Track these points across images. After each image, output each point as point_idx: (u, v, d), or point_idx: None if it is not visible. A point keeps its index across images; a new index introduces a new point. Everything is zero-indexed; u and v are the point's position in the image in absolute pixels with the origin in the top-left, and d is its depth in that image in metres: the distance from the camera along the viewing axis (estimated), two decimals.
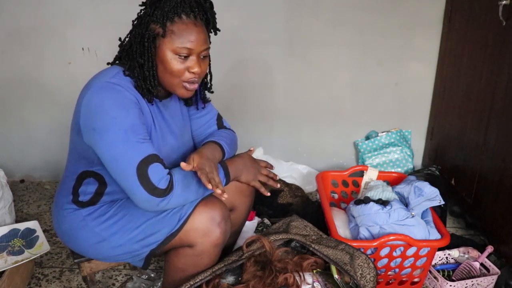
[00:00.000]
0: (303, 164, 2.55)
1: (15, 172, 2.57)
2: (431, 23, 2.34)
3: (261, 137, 2.56)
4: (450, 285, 1.65)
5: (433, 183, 1.73)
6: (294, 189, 2.24)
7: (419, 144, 2.60)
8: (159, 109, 1.29)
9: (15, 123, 2.48)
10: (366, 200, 1.68)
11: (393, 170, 2.44)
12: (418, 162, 2.63)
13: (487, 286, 1.69)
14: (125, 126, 1.14)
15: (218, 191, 1.16)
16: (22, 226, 1.80)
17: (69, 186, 1.31)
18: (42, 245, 1.71)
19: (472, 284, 1.67)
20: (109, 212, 1.29)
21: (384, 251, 1.56)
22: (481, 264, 1.73)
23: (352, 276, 1.33)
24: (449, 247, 1.80)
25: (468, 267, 1.71)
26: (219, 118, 1.49)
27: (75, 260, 1.39)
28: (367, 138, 2.59)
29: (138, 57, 1.19)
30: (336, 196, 2.03)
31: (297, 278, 1.28)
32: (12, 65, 2.35)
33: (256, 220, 1.96)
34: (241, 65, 2.43)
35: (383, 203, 1.66)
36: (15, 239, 1.74)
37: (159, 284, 1.59)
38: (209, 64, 1.31)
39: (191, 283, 1.24)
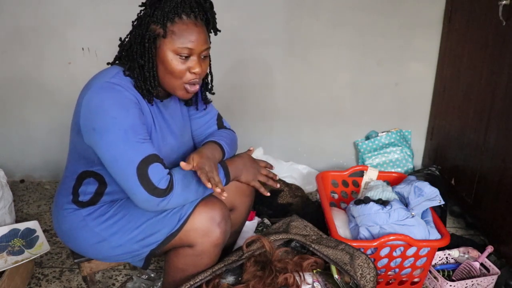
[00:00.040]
0: (303, 164, 2.55)
1: (15, 172, 2.57)
2: (431, 23, 2.34)
3: (261, 137, 2.56)
4: (450, 285, 1.65)
5: (433, 183, 1.73)
6: (294, 189, 2.24)
7: (419, 144, 2.60)
8: (159, 109, 1.29)
9: (15, 123, 2.48)
10: (366, 200, 1.68)
11: (393, 170, 2.44)
12: (418, 162, 2.63)
13: (487, 286, 1.69)
14: (125, 126, 1.14)
15: (218, 189, 1.16)
16: (22, 226, 1.80)
17: (69, 186, 1.31)
18: (42, 245, 1.71)
19: (472, 284, 1.67)
20: (109, 212, 1.29)
21: (384, 251, 1.56)
22: (481, 264, 1.73)
23: (352, 276, 1.33)
24: (449, 247, 1.80)
25: (468, 267, 1.71)
26: (219, 118, 1.49)
27: (75, 260, 1.39)
28: (367, 138, 2.59)
29: (138, 58, 1.19)
30: (336, 196, 2.03)
31: (297, 278, 1.28)
32: (12, 65, 2.36)
33: (256, 220, 1.96)
34: (241, 65, 2.43)
35: (383, 203, 1.66)
36: (15, 239, 1.74)
37: (159, 284, 1.59)
38: (210, 65, 1.31)
39: (191, 283, 1.24)
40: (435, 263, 1.81)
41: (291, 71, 2.45)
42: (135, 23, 1.22)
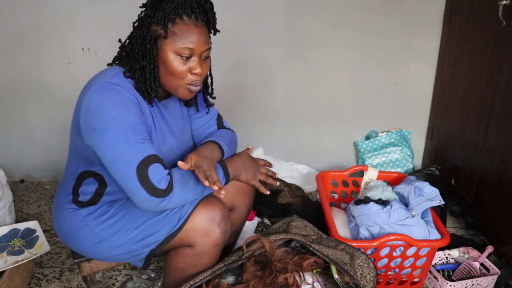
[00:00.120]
0: (303, 164, 2.55)
1: (15, 172, 2.57)
2: (431, 23, 2.34)
3: (261, 137, 2.56)
4: (450, 285, 1.65)
5: (433, 183, 1.73)
6: (294, 189, 2.24)
7: (419, 144, 2.60)
8: (159, 109, 1.29)
9: (15, 123, 2.48)
10: (366, 200, 1.68)
11: (393, 170, 2.44)
12: (418, 162, 2.63)
13: (487, 286, 1.69)
14: (125, 126, 1.14)
15: (215, 187, 1.16)
16: (22, 226, 1.80)
17: (69, 186, 1.31)
18: (42, 245, 1.71)
19: (472, 284, 1.67)
20: (109, 212, 1.29)
21: (384, 251, 1.56)
22: (481, 264, 1.73)
23: (352, 276, 1.33)
24: (449, 247, 1.80)
25: (468, 267, 1.71)
26: (219, 118, 1.49)
27: (75, 260, 1.39)
28: (367, 138, 2.59)
29: (140, 59, 1.19)
30: (336, 196, 2.03)
31: (297, 278, 1.28)
32: (12, 65, 2.35)
33: (256, 220, 1.96)
34: (241, 65, 2.43)
35: (383, 203, 1.66)
36: (15, 239, 1.74)
37: (159, 284, 1.59)
38: (210, 66, 1.31)
39: (191, 283, 1.24)
40: (435, 263, 1.81)
41: (291, 71, 2.45)
42: (136, 24, 1.22)
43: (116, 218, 1.28)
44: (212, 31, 1.26)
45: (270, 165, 1.45)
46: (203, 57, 1.22)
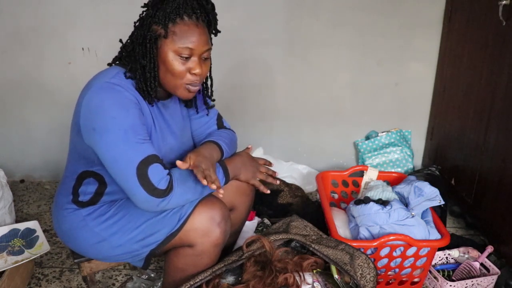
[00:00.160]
0: (303, 164, 2.55)
1: (15, 172, 2.57)
2: (431, 23, 2.34)
3: (261, 137, 2.56)
4: (450, 285, 1.65)
5: (433, 183, 1.73)
6: (294, 189, 2.24)
7: (419, 144, 2.60)
8: (159, 109, 1.29)
9: (15, 123, 2.48)
10: (366, 200, 1.68)
11: (393, 170, 2.44)
12: (418, 162, 2.63)
13: (487, 286, 1.69)
14: (125, 126, 1.14)
15: (213, 186, 1.16)
16: (22, 226, 1.80)
17: (69, 186, 1.31)
18: (42, 245, 1.71)
19: (472, 284, 1.67)
20: (109, 212, 1.29)
21: (384, 251, 1.56)
22: (481, 264, 1.73)
23: (352, 276, 1.33)
24: (449, 247, 1.80)
25: (468, 267, 1.71)
26: (219, 118, 1.49)
27: (75, 260, 1.39)
28: (367, 138, 2.59)
29: (140, 58, 1.19)
30: (336, 196, 2.03)
31: (297, 278, 1.28)
32: (12, 65, 2.36)
33: (256, 220, 1.96)
34: (241, 65, 2.43)
35: (383, 203, 1.66)
36: (15, 239, 1.74)
37: (159, 284, 1.59)
38: (210, 68, 1.31)
39: (191, 283, 1.24)
40: (435, 263, 1.81)
41: (291, 71, 2.45)
42: (137, 24, 1.22)
43: (116, 218, 1.28)
44: (213, 32, 1.26)
45: (270, 164, 1.45)
46: (203, 58, 1.22)
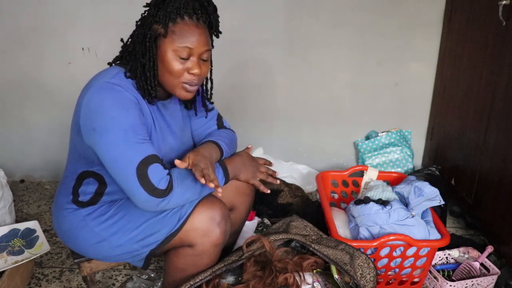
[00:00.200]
0: (303, 164, 2.55)
1: (15, 172, 2.57)
2: (431, 23, 2.34)
3: (261, 137, 2.56)
4: (450, 285, 1.65)
5: (433, 183, 1.73)
6: (294, 189, 2.24)
7: (419, 144, 2.60)
8: (159, 109, 1.29)
9: (15, 123, 2.48)
10: (366, 200, 1.68)
11: (393, 170, 2.44)
12: (418, 162, 2.63)
13: (487, 286, 1.69)
14: (125, 126, 1.14)
15: (211, 185, 1.16)
16: (22, 226, 1.80)
17: (69, 186, 1.31)
18: (42, 245, 1.71)
19: (472, 284, 1.67)
20: (109, 212, 1.29)
21: (384, 251, 1.56)
22: (481, 264, 1.73)
23: (352, 276, 1.33)
24: (449, 247, 1.80)
25: (468, 267, 1.71)
26: (219, 118, 1.49)
27: (75, 260, 1.39)
28: (367, 138, 2.59)
29: (140, 57, 1.19)
30: (336, 196, 2.03)
31: (297, 278, 1.28)
32: (12, 65, 2.36)
33: (256, 220, 1.96)
34: (241, 65, 2.43)
35: (383, 203, 1.66)
36: (15, 239, 1.74)
37: (159, 284, 1.59)
38: (211, 70, 1.31)
39: (191, 283, 1.24)
40: (435, 263, 1.81)
41: (291, 71, 2.45)
42: (138, 23, 1.23)
43: (116, 218, 1.28)
44: (215, 34, 1.26)
45: (270, 164, 1.45)
46: (202, 59, 1.22)
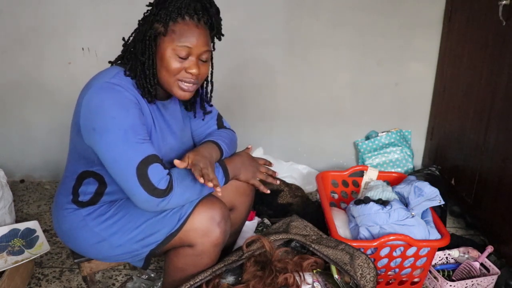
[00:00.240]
0: (303, 164, 2.55)
1: (15, 172, 2.57)
2: (431, 23, 2.34)
3: (261, 137, 2.56)
4: (450, 285, 1.65)
5: (433, 183, 1.73)
6: (294, 189, 2.24)
7: (419, 144, 2.60)
8: (159, 109, 1.29)
9: (15, 123, 2.48)
10: (366, 200, 1.68)
11: (393, 170, 2.44)
12: (418, 162, 2.63)
13: (487, 286, 1.69)
14: (125, 126, 1.14)
15: (210, 184, 1.16)
16: (22, 226, 1.80)
17: (69, 186, 1.31)
18: (42, 245, 1.71)
19: (472, 284, 1.67)
20: (109, 212, 1.29)
21: (384, 251, 1.56)
22: (481, 264, 1.73)
23: (352, 276, 1.33)
24: (449, 247, 1.80)
25: (468, 267, 1.71)
26: (219, 118, 1.49)
27: (75, 260, 1.39)
28: (367, 138, 2.59)
29: (139, 55, 1.19)
30: (336, 196, 2.03)
31: (297, 278, 1.28)
32: (12, 65, 2.36)
33: (256, 220, 1.96)
34: (241, 65, 2.43)
35: (383, 203, 1.66)
36: (15, 239, 1.74)
37: (159, 284, 1.59)
38: (211, 73, 1.31)
39: (191, 283, 1.24)
40: (435, 263, 1.81)
41: (291, 71, 2.45)
42: (141, 22, 1.23)
43: (116, 218, 1.28)
44: (217, 36, 1.26)
45: (270, 164, 1.45)
46: (201, 59, 1.21)
